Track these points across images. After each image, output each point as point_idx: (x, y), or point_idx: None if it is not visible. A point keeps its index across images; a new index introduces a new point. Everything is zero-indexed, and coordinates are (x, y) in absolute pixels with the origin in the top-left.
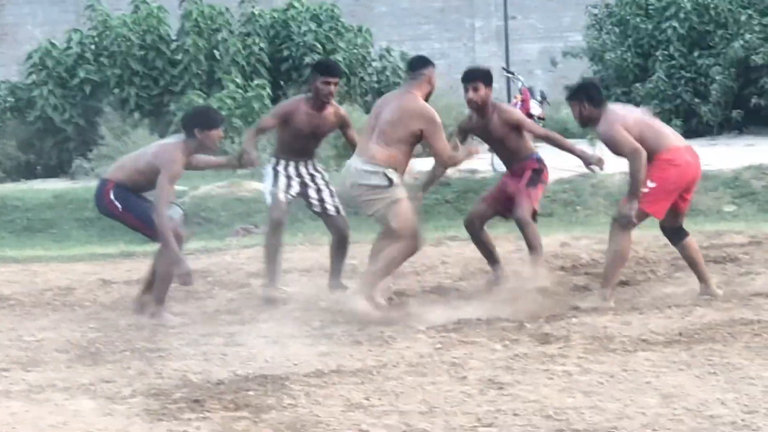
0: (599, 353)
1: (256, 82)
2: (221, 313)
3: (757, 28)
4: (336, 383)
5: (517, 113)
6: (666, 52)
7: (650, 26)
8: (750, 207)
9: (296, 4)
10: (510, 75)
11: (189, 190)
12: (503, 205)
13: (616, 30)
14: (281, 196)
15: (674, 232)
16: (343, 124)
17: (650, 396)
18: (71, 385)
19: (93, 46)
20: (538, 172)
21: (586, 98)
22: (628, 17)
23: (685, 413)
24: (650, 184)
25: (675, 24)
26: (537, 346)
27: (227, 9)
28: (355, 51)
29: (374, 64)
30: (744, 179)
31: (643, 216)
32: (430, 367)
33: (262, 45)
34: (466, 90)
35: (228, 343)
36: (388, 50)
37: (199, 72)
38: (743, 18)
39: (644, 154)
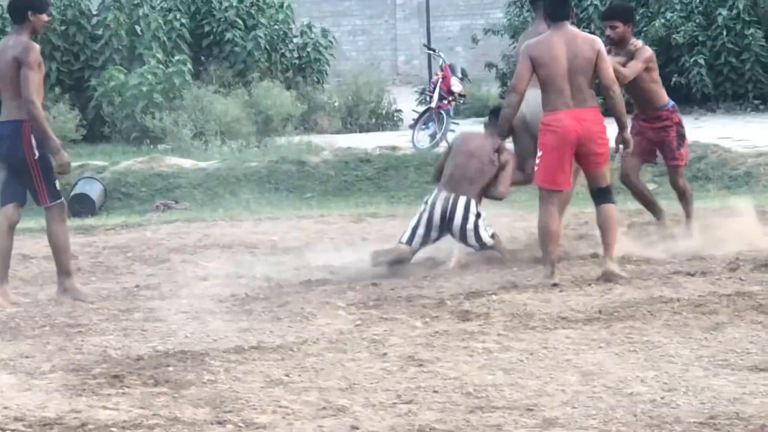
0: (519, 331)
1: (177, 57)
2: (141, 289)
3: (678, 7)
4: (256, 359)
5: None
6: (587, 30)
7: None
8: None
9: None
10: (431, 52)
11: (109, 165)
12: (649, 153)
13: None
14: None
15: (594, 195)
16: None
17: (570, 373)
18: None
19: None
20: (681, 126)
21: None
22: None
23: (605, 391)
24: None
25: (596, 2)
26: (457, 323)
27: None
28: (276, 27)
29: (295, 40)
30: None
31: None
32: (350, 343)
33: (183, 20)
34: (605, 28)
35: (148, 319)
36: (309, 26)
37: (120, 47)
38: None
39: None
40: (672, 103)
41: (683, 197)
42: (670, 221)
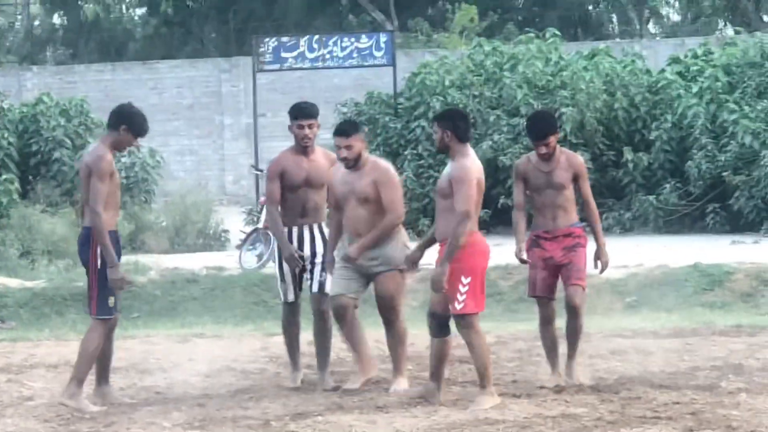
0: None
1: (4, 176)
2: None
3: (505, 129)
4: None
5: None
6: (414, 152)
7: (399, 125)
8: (496, 307)
9: (45, 99)
10: (258, 173)
11: None
12: (554, 274)
13: (366, 128)
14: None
15: (445, 322)
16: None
17: None
18: None
19: None
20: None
21: (453, 127)
22: (377, 116)
23: None
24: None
25: (423, 123)
26: None
27: None
28: None
29: (123, 159)
30: (491, 279)
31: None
32: None
33: (11, 139)
34: (535, 147)
35: None
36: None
37: None
38: (492, 119)
39: (470, 223)
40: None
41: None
42: None
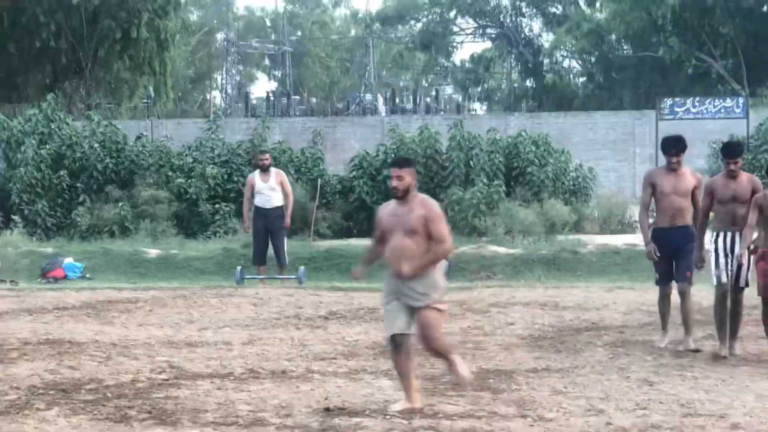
0: None
1: (495, 182)
2: None
3: None
4: None
5: None
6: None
7: (749, 157)
8: None
9: (523, 134)
10: None
11: None
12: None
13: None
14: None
15: None
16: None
17: None
18: (377, 371)
19: (392, 155)
20: None
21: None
22: None
23: None
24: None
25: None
26: None
27: None
28: None
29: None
30: None
31: None
32: None
33: (500, 159)
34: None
35: None
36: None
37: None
38: None
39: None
40: None
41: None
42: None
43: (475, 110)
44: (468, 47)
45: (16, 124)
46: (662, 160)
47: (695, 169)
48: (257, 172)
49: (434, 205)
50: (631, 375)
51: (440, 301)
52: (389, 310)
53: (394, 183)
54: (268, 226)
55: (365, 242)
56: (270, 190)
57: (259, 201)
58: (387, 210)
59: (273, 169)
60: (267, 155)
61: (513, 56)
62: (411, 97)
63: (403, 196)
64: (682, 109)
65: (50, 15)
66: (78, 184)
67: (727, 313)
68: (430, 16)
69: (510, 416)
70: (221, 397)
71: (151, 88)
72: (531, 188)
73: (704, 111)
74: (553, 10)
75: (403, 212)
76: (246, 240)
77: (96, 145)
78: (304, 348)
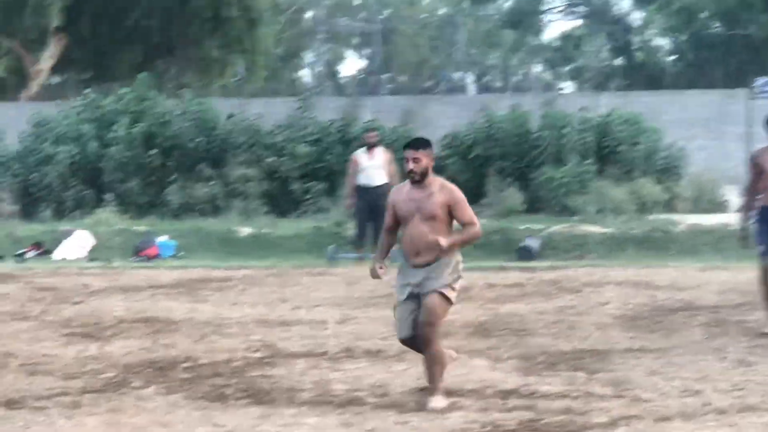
0: None
1: (585, 162)
2: None
3: None
4: None
5: None
6: None
7: None
8: None
9: (613, 115)
10: None
11: None
12: None
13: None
14: None
15: None
16: None
17: None
18: (471, 350)
19: (483, 135)
20: None
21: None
22: None
23: None
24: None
25: None
26: None
27: None
28: None
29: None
30: None
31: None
32: None
33: (590, 138)
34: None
35: None
36: None
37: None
38: None
39: None
40: None
41: None
42: None
43: (564, 89)
44: (557, 25)
45: (108, 104)
46: (757, 139)
47: None
48: (362, 149)
49: (455, 189)
50: (727, 356)
51: (452, 287)
52: (399, 311)
53: (411, 166)
54: (371, 204)
55: None
56: (375, 168)
57: (363, 179)
58: (401, 194)
59: (379, 147)
60: (375, 132)
61: (603, 34)
62: (501, 76)
63: (420, 179)
64: None
65: None
66: (169, 163)
67: None
68: None
69: (606, 396)
70: (316, 376)
71: (242, 67)
72: (622, 167)
73: None
74: None
75: (421, 197)
76: (338, 219)
77: (188, 123)
78: None
